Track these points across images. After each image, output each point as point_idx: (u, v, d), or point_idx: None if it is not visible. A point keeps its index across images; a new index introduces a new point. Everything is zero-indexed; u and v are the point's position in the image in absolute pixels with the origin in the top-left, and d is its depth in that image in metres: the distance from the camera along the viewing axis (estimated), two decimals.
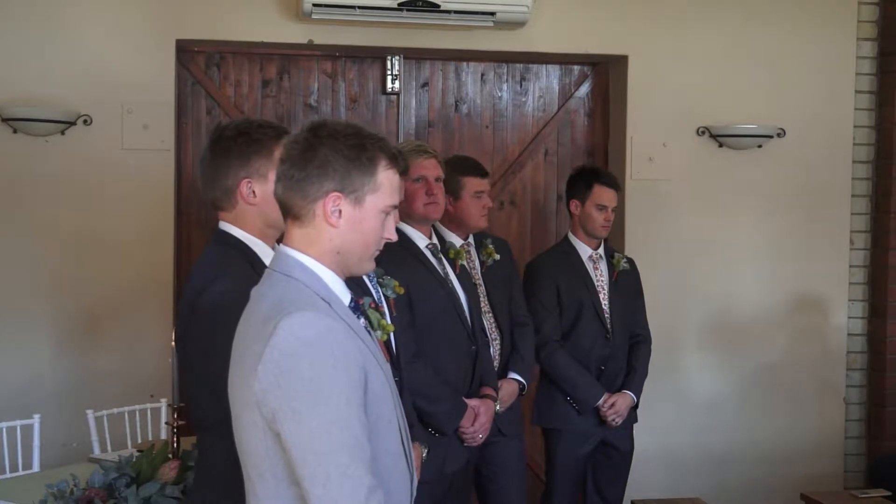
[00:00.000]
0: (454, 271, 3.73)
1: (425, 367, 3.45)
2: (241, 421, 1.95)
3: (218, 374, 2.28)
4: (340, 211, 1.98)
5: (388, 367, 2.07)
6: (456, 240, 3.89)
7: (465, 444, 3.65)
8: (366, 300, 2.20)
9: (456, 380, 3.62)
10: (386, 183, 2.01)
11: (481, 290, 3.94)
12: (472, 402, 3.63)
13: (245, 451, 1.97)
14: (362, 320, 2.08)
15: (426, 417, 3.44)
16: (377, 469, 1.88)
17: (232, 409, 2.00)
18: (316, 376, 1.83)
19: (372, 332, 2.15)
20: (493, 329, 3.94)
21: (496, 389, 3.77)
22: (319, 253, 2.00)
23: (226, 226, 2.49)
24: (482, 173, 3.99)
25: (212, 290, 2.33)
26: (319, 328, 1.87)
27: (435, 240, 3.72)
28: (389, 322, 3.08)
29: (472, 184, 3.90)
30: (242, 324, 2.02)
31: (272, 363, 1.85)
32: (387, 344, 3.08)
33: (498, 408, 3.74)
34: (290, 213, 2.01)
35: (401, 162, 2.07)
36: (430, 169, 3.62)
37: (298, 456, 1.84)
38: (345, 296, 2.03)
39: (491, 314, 3.96)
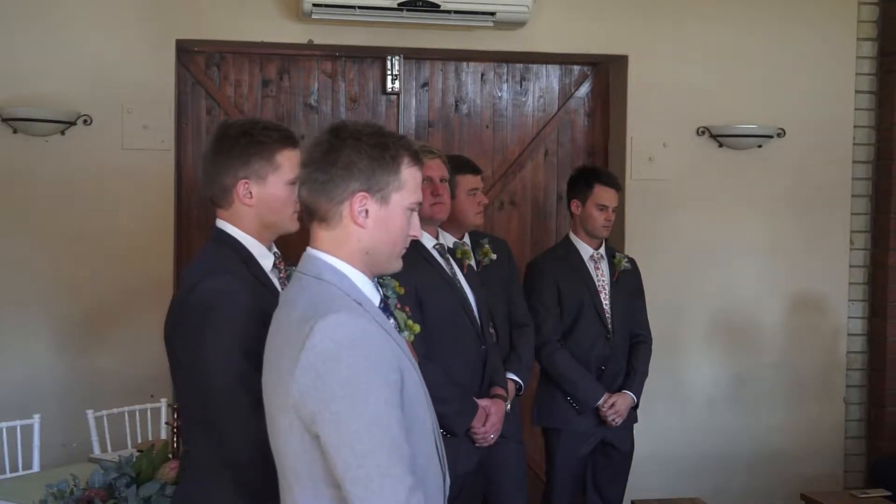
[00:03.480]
0: (462, 271, 3.73)
1: (435, 368, 3.45)
2: (278, 425, 1.94)
3: (203, 370, 2.29)
4: (367, 211, 1.98)
5: (418, 367, 2.07)
6: (450, 239, 3.89)
7: (476, 445, 3.64)
8: (392, 301, 2.20)
9: (466, 380, 3.61)
10: (410, 180, 2.02)
11: None
12: (483, 402, 3.62)
13: (282, 454, 1.96)
14: (392, 321, 2.08)
15: (438, 418, 3.42)
16: (414, 469, 1.87)
17: (267, 413, 2.00)
18: (354, 378, 1.83)
19: (400, 332, 2.14)
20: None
21: (506, 389, 3.77)
22: (348, 254, 2.00)
23: (222, 223, 2.49)
24: (475, 170, 3.98)
25: (202, 287, 2.33)
26: (355, 330, 1.87)
27: (442, 240, 3.72)
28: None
29: (465, 181, 3.89)
30: (274, 328, 2.02)
31: (309, 366, 1.85)
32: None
33: (508, 408, 3.73)
34: (316, 215, 2.01)
35: (421, 159, 2.07)
36: (435, 169, 3.62)
37: (338, 457, 1.83)
38: (374, 297, 2.03)
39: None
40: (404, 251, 2.08)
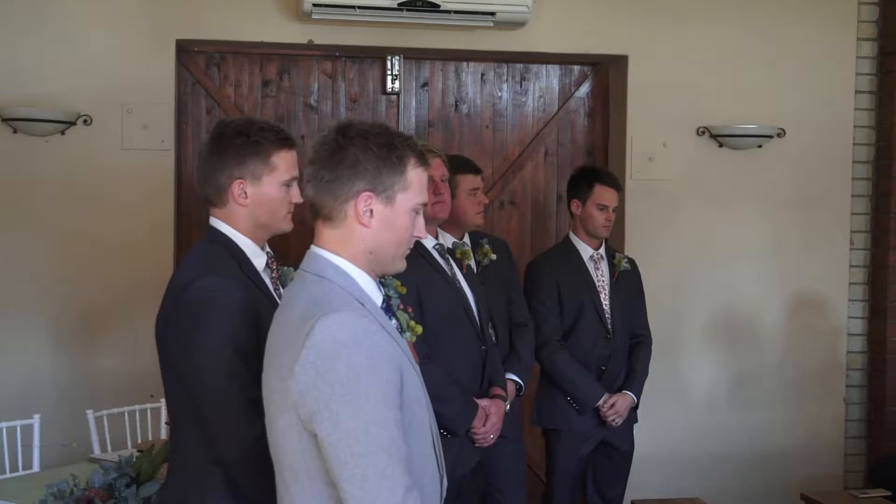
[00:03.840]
0: (461, 271, 3.73)
1: (437, 368, 3.45)
2: (277, 423, 1.94)
3: (195, 368, 2.29)
4: (372, 210, 1.98)
5: (418, 368, 2.07)
6: (450, 239, 3.89)
7: (476, 445, 3.64)
8: (394, 301, 2.19)
9: (467, 380, 3.61)
10: (415, 181, 2.02)
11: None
12: (483, 403, 3.62)
13: (280, 452, 1.96)
14: (393, 321, 2.08)
15: (438, 419, 3.43)
16: (411, 469, 1.87)
17: (266, 411, 2.00)
18: (354, 377, 1.83)
19: (402, 333, 2.14)
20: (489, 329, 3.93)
21: (505, 389, 3.77)
22: (352, 254, 2.00)
23: (216, 222, 2.50)
24: (475, 170, 3.99)
25: (196, 286, 2.33)
26: (356, 329, 1.87)
27: (441, 240, 3.72)
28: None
29: (466, 181, 3.90)
30: (275, 326, 2.02)
31: (309, 364, 1.84)
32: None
33: (507, 408, 3.73)
34: (320, 214, 2.01)
35: (427, 160, 2.08)
36: (437, 168, 3.63)
37: (336, 457, 1.83)
38: (377, 297, 2.04)
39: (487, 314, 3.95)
40: (408, 252, 2.08)
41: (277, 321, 2.02)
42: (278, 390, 1.92)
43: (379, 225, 1.99)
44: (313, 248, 2.04)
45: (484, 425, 3.60)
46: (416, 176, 2.02)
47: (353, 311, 1.90)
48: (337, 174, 1.97)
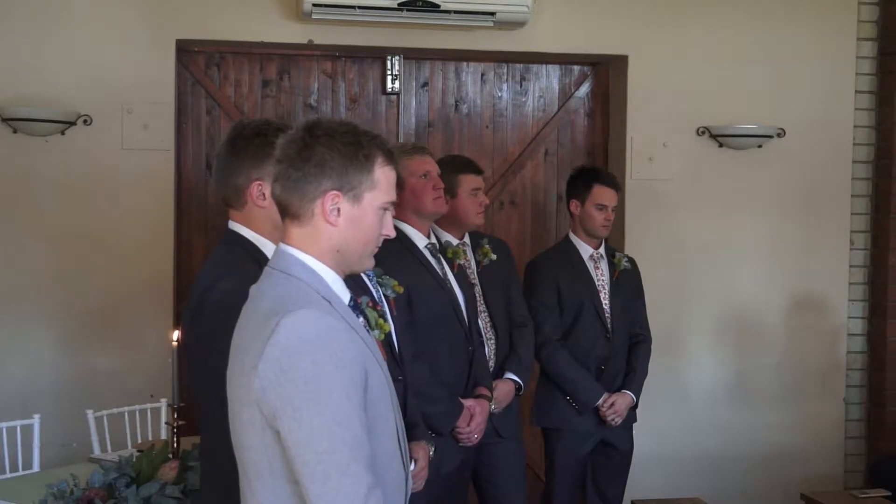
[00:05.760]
0: (452, 271, 3.73)
1: (424, 367, 3.45)
2: (240, 418, 1.95)
3: (220, 372, 2.28)
4: (339, 209, 1.98)
5: (386, 366, 2.07)
6: (452, 239, 3.89)
7: (461, 444, 3.65)
8: (363, 299, 2.19)
9: (453, 380, 3.62)
10: (383, 180, 2.02)
11: (477, 289, 3.93)
12: (468, 403, 3.62)
13: (243, 447, 1.97)
14: (361, 319, 2.08)
15: (424, 417, 3.44)
16: (374, 468, 1.88)
17: (230, 406, 2.00)
18: (317, 375, 1.84)
19: (370, 331, 2.14)
20: (489, 329, 3.94)
21: (490, 389, 3.77)
22: (319, 252, 2.00)
23: (235, 225, 2.49)
24: (477, 170, 3.99)
25: (217, 289, 2.33)
26: (321, 327, 1.87)
27: (433, 239, 3.72)
28: (390, 321, 3.09)
29: (468, 181, 3.90)
30: (242, 321, 2.03)
31: (273, 361, 1.85)
32: (388, 343, 3.08)
33: (493, 407, 3.74)
34: (288, 212, 2.02)
35: (396, 159, 2.07)
36: (432, 165, 3.64)
37: (298, 454, 1.84)
38: (344, 294, 2.04)
39: (486, 314, 3.95)
40: (376, 250, 2.08)
41: (244, 316, 2.02)
42: (242, 385, 1.92)
43: (346, 224, 1.99)
44: (281, 245, 2.04)
45: (468, 425, 3.60)
46: (383, 175, 2.02)
47: (319, 309, 1.91)
48: (304, 173, 1.97)
